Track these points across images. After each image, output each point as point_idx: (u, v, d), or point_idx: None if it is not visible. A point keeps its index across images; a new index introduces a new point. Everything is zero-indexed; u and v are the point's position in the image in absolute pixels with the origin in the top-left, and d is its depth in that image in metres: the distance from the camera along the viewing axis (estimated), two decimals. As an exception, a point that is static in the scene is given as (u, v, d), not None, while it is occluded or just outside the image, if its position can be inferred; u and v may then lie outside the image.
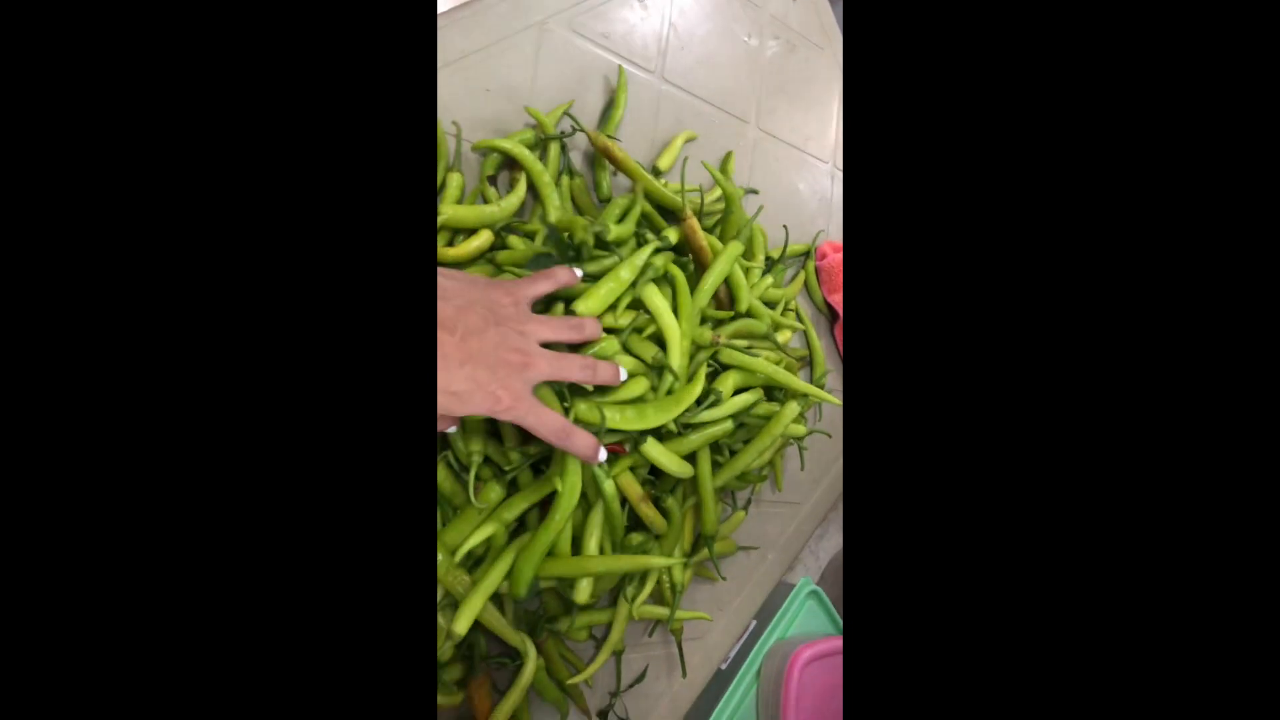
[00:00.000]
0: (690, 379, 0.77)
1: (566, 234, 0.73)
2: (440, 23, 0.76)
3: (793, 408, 0.83)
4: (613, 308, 0.73)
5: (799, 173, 1.14)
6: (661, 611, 0.82)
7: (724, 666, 1.01)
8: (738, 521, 0.95)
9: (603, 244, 0.75)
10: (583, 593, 0.71)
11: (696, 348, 0.79)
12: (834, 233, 1.18)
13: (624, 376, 0.66)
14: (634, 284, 0.73)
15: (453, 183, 0.75)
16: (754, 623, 1.04)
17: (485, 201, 0.77)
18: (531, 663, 0.72)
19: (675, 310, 0.77)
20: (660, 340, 0.75)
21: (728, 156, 1.02)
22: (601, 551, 0.73)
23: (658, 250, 0.77)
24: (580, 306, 0.69)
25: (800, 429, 0.91)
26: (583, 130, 0.82)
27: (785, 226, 1.08)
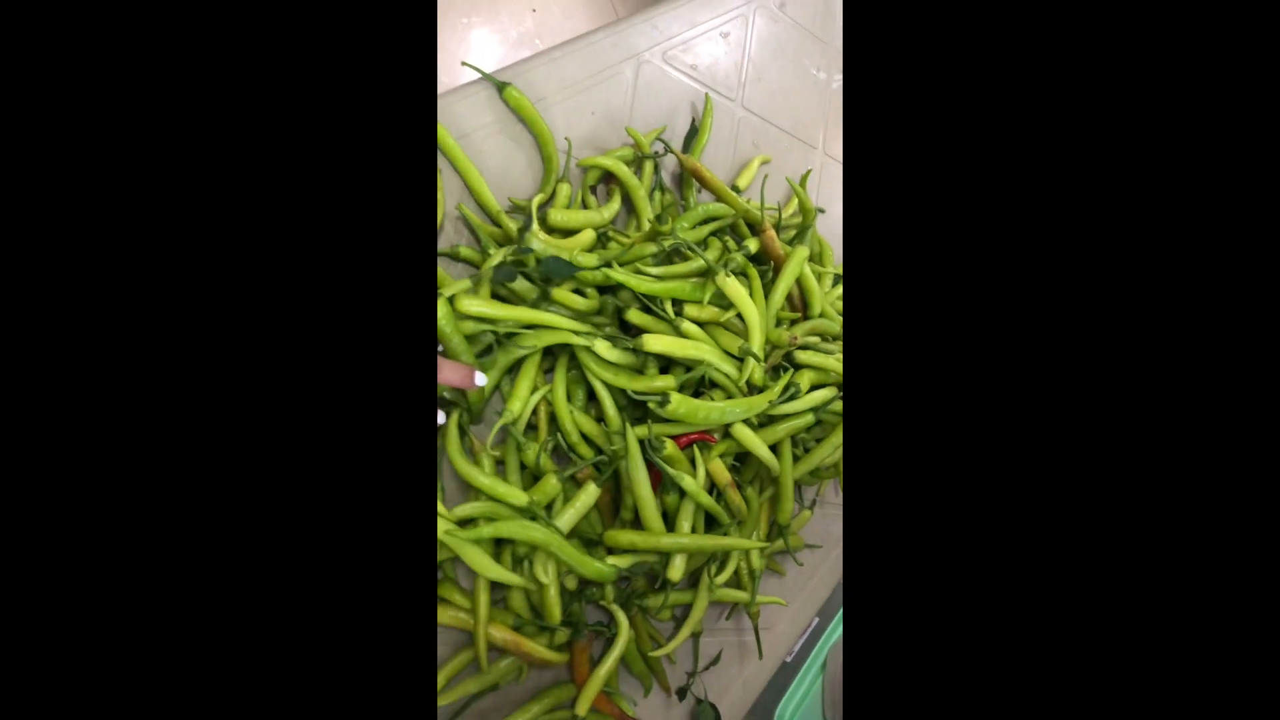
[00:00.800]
0: (772, 375, 0.84)
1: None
2: (556, 54, 0.86)
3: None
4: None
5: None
6: (741, 595, 0.87)
7: (789, 659, 1.05)
8: (804, 520, 1.00)
9: (677, 250, 0.83)
10: (676, 570, 0.77)
11: (773, 347, 0.85)
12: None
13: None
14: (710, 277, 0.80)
15: (562, 191, 0.84)
16: (817, 619, 1.08)
17: (586, 207, 0.86)
18: (625, 631, 0.77)
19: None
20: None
21: (806, 175, 1.10)
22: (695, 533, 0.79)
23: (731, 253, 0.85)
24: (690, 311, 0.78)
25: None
26: (673, 152, 0.91)
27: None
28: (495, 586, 0.74)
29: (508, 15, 2.18)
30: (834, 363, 0.87)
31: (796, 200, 1.07)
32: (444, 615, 0.71)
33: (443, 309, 0.68)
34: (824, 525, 1.07)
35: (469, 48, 2.03)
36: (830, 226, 1.15)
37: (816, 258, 1.03)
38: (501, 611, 0.74)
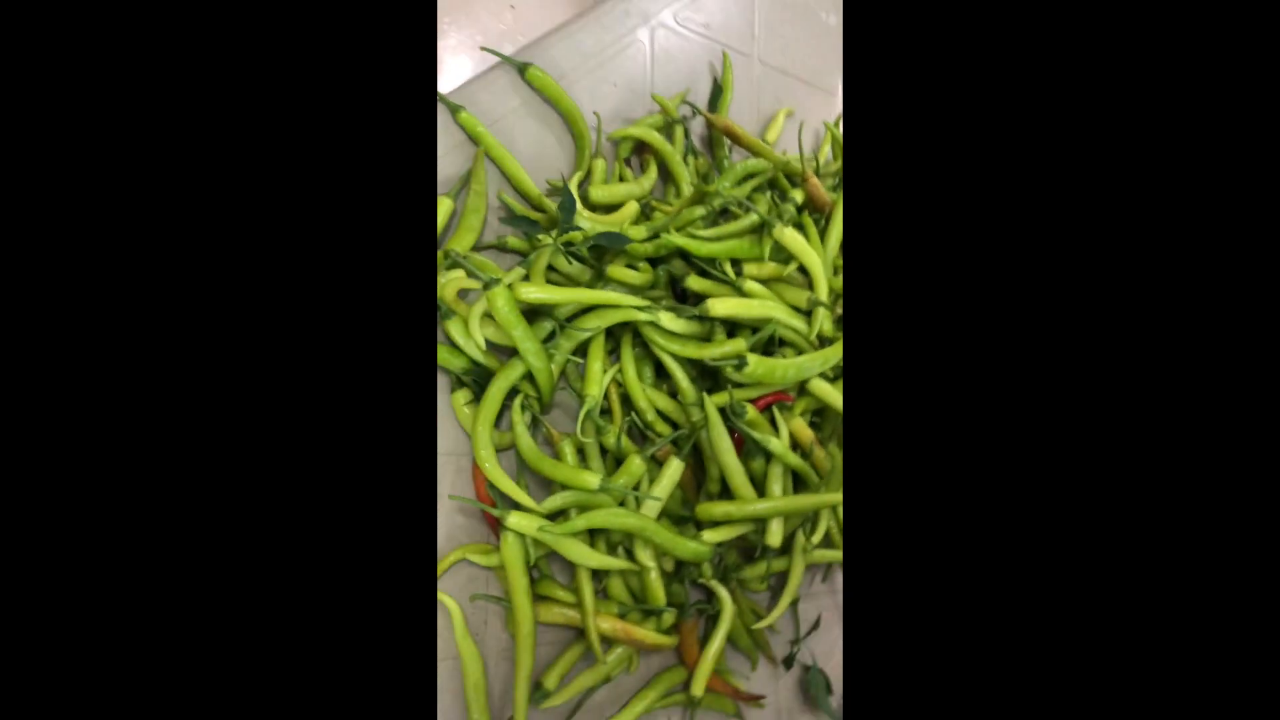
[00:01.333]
0: (840, 325, 0.81)
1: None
2: (572, 28, 0.83)
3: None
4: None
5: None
6: (834, 554, 0.84)
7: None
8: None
9: (726, 211, 0.80)
10: (774, 535, 0.75)
11: (837, 296, 0.83)
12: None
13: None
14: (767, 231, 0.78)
15: (597, 168, 0.81)
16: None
17: (624, 181, 0.83)
18: (729, 607, 0.75)
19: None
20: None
21: (837, 120, 1.07)
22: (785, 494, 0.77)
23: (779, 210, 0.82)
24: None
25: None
26: (702, 113, 0.88)
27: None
28: (594, 576, 0.72)
29: (486, 14, 2.15)
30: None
31: (828, 148, 1.04)
32: (547, 613, 0.68)
33: (503, 298, 0.65)
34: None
35: (448, 47, 2.00)
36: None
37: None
38: (604, 602, 0.71)
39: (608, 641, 0.71)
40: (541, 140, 0.80)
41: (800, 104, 1.06)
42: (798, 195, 0.85)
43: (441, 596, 0.65)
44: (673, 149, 0.85)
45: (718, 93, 0.94)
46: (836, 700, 0.88)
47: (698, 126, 0.93)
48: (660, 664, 0.77)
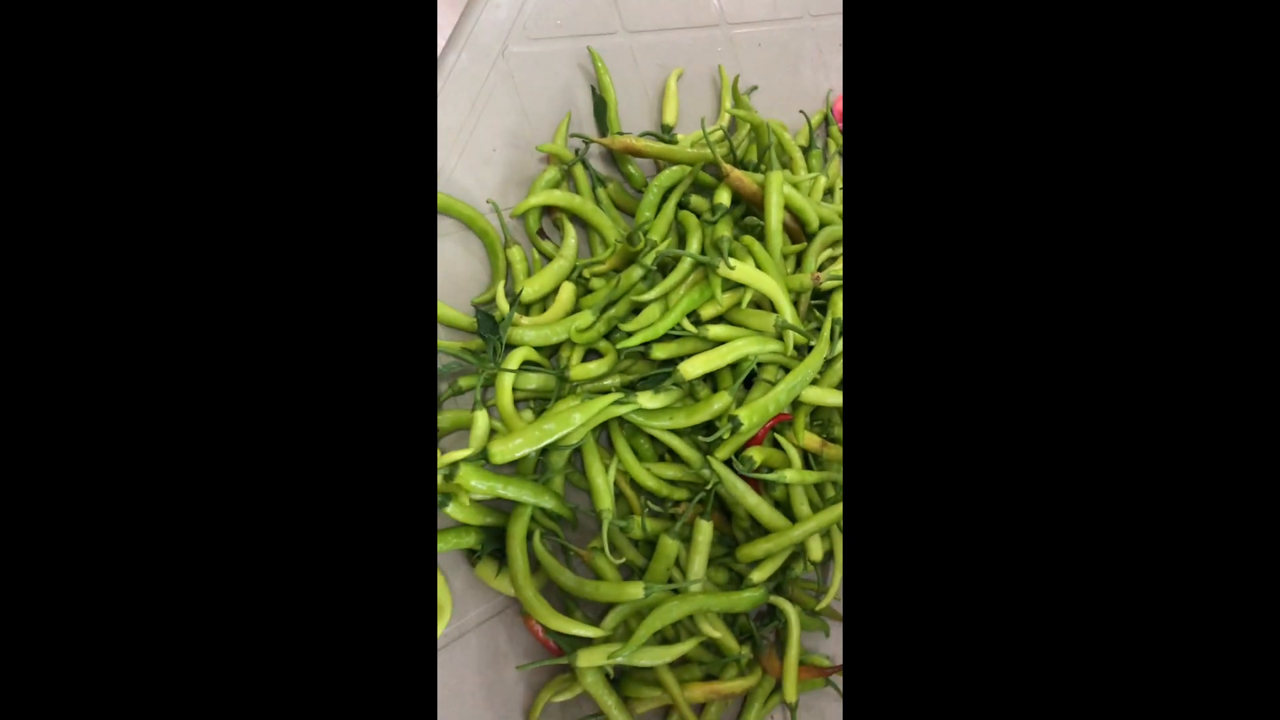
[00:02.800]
0: (815, 325, 0.79)
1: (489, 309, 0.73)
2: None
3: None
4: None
5: (785, 45, 1.08)
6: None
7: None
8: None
9: (664, 261, 0.75)
10: (815, 551, 0.77)
11: (798, 294, 0.80)
12: (839, 85, 1.13)
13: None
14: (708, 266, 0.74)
15: (516, 258, 0.75)
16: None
17: (548, 258, 0.77)
18: (794, 616, 0.80)
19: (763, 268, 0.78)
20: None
21: (735, 80, 0.97)
22: (812, 505, 0.79)
23: (715, 221, 0.77)
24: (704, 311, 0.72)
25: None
26: (595, 142, 0.80)
27: (802, 111, 1.04)
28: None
29: None
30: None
31: (728, 97, 0.95)
32: (641, 707, 0.73)
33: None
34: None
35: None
36: (773, 95, 1.03)
37: (786, 163, 0.94)
38: (688, 668, 0.76)
39: (700, 705, 0.76)
40: (451, 258, 0.73)
41: (684, 54, 0.96)
42: (724, 196, 0.80)
43: (545, 742, 0.69)
44: (581, 200, 0.78)
45: (601, 104, 0.85)
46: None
47: (600, 147, 0.85)
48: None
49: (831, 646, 0.91)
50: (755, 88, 1.01)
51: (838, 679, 0.89)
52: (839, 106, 1.09)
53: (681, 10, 0.97)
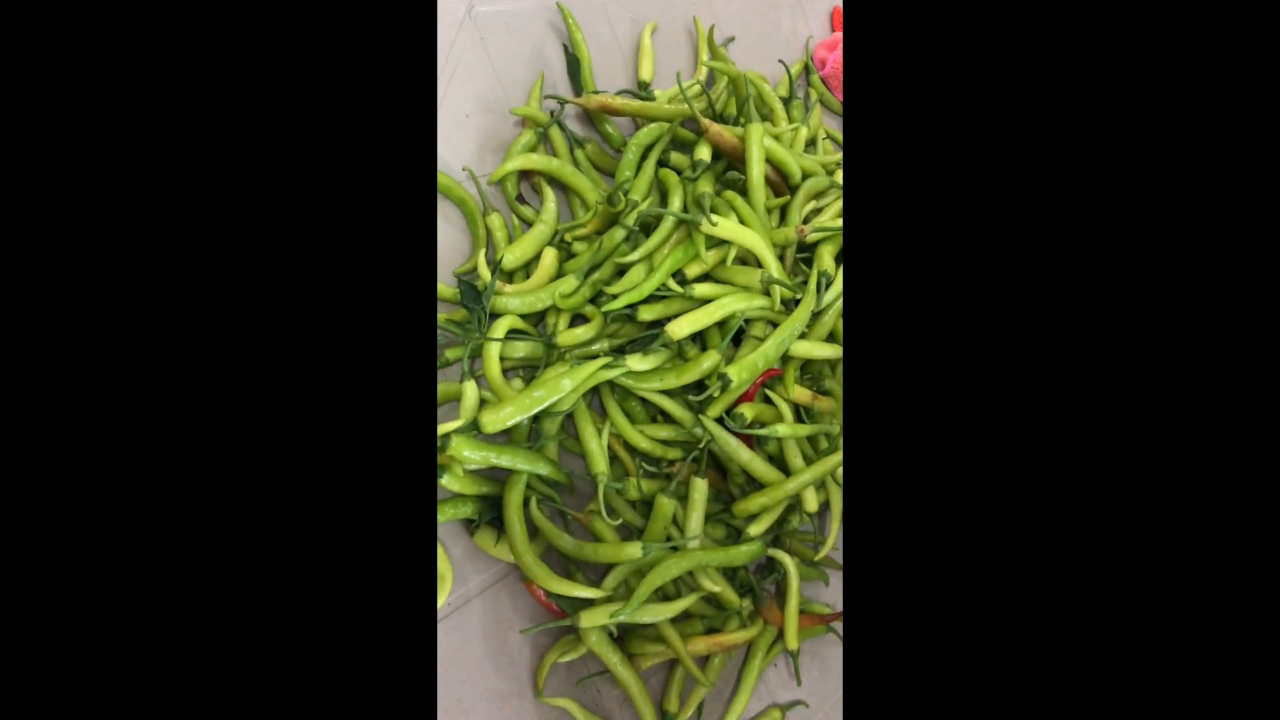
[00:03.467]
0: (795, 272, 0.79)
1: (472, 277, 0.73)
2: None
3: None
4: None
5: (758, -10, 1.05)
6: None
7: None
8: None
9: (646, 221, 0.74)
10: (811, 502, 0.78)
11: (783, 249, 0.79)
12: (819, 32, 1.10)
13: None
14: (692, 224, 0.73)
15: (496, 225, 0.74)
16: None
17: (529, 224, 0.76)
18: (792, 566, 0.81)
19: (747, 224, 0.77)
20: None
21: (710, 35, 0.95)
22: (804, 457, 0.79)
23: (695, 177, 0.76)
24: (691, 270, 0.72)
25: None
26: (569, 102, 0.78)
27: (782, 61, 1.02)
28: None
29: None
30: (832, 213, 0.81)
31: (704, 49, 0.93)
32: (645, 662, 0.74)
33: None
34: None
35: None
36: (750, 44, 1.01)
37: (766, 115, 0.92)
38: (689, 621, 0.77)
39: (703, 658, 0.77)
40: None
41: (658, 7, 0.93)
42: (704, 152, 0.78)
43: (556, 701, 0.71)
44: (559, 162, 0.77)
45: (574, 62, 0.83)
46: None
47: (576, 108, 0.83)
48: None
49: (831, 595, 0.93)
50: (732, 38, 0.99)
51: (839, 626, 0.91)
52: (819, 54, 1.07)
53: (652, -40, 0.94)
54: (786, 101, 0.98)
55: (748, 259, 0.77)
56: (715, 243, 0.75)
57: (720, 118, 0.87)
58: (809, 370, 0.84)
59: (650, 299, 0.73)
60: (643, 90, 0.88)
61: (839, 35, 1.09)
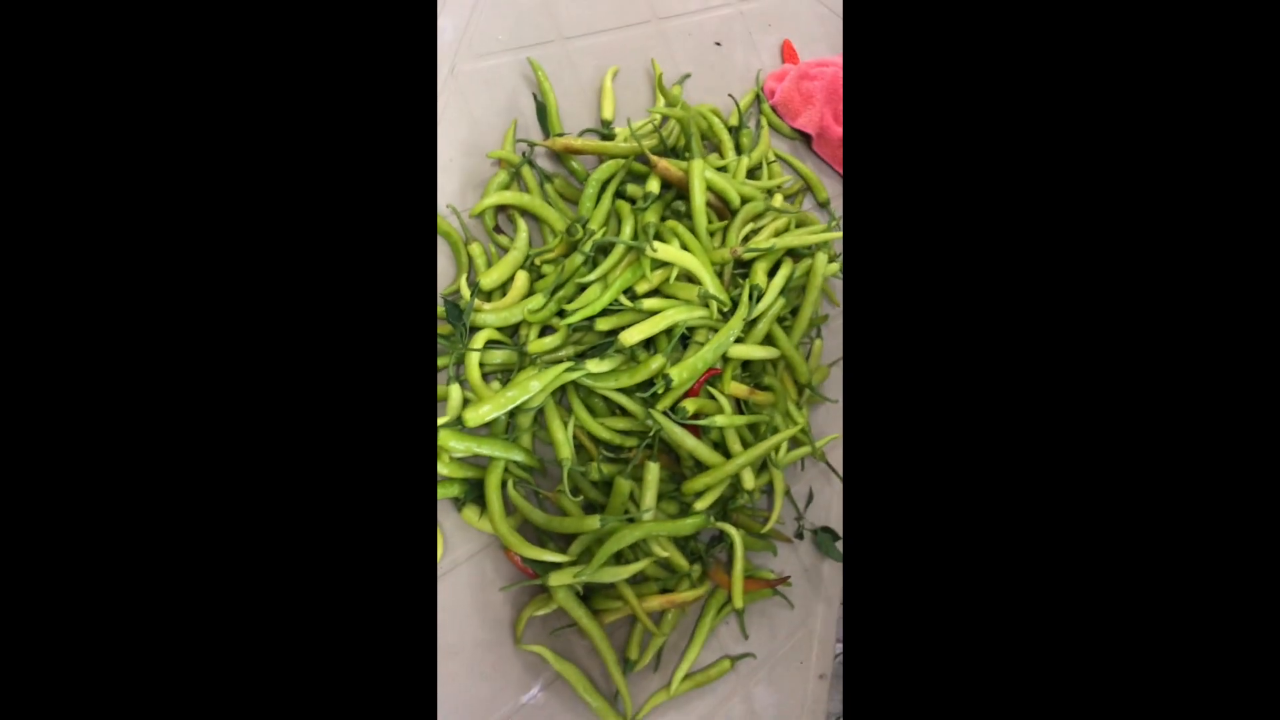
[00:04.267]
0: (734, 284, 0.92)
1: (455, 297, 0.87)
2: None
3: (821, 257, 0.97)
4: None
5: (714, 32, 1.18)
6: (803, 450, 1.02)
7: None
8: (818, 350, 1.12)
9: (601, 247, 0.88)
10: (749, 480, 0.92)
11: (721, 266, 0.92)
12: (769, 64, 1.23)
13: None
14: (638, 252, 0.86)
15: (476, 253, 0.88)
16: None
17: (505, 250, 0.90)
18: (737, 535, 0.94)
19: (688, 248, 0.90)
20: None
21: (660, 81, 1.08)
22: (744, 443, 0.93)
23: (643, 207, 0.89)
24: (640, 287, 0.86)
25: (835, 266, 1.05)
26: (538, 145, 0.92)
27: (731, 95, 1.15)
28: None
29: None
30: (777, 242, 0.94)
31: (660, 95, 1.07)
32: (609, 617, 0.88)
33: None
34: (833, 349, 1.20)
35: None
36: (705, 79, 1.14)
37: (713, 143, 1.05)
38: (645, 584, 0.91)
39: (659, 613, 0.91)
40: (418, 256, 0.86)
41: (617, 52, 1.07)
42: (654, 185, 0.92)
43: (533, 648, 0.85)
44: (530, 197, 0.90)
45: (542, 109, 0.96)
46: (841, 545, 1.11)
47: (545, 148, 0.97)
48: (705, 595, 0.99)
49: (778, 564, 1.07)
50: (688, 75, 1.12)
51: (784, 590, 1.05)
52: (769, 85, 1.20)
53: (614, 11, 1.07)
54: (737, 129, 1.11)
55: (691, 276, 0.90)
56: (660, 263, 0.88)
57: (674, 151, 1.01)
58: (750, 369, 0.98)
59: (606, 312, 0.87)
60: (605, 128, 1.01)
61: (787, 67, 1.22)
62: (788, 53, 1.25)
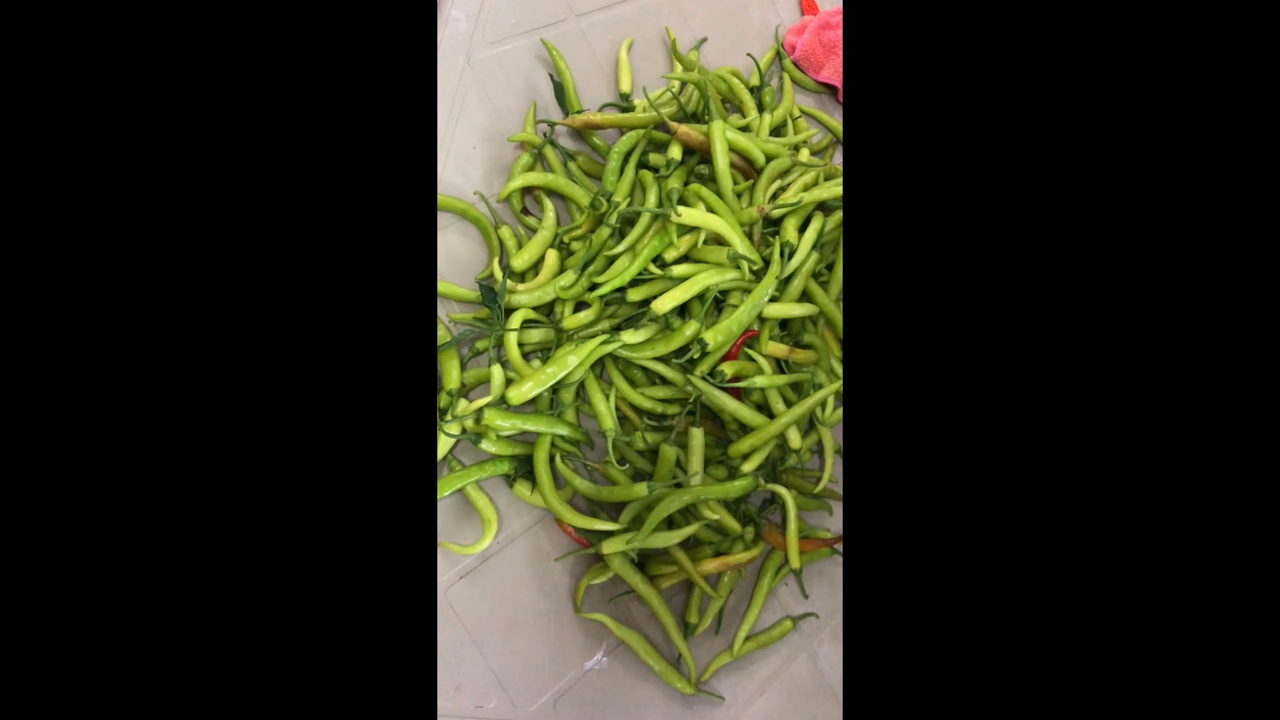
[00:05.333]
0: (765, 244, 0.91)
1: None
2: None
3: (850, 208, 0.95)
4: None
5: (727, -11, 1.16)
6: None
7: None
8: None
9: (627, 218, 0.88)
10: (795, 439, 0.91)
11: (750, 226, 0.92)
12: (787, 19, 1.20)
13: None
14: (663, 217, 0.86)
15: (506, 236, 0.90)
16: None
17: (534, 231, 0.92)
18: (788, 495, 0.94)
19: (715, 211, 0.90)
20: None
21: (675, 45, 1.07)
22: (787, 403, 0.92)
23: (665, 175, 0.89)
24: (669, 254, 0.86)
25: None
26: (558, 124, 0.93)
27: (750, 55, 1.13)
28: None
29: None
30: (805, 198, 0.93)
31: (676, 61, 1.06)
32: (665, 582, 0.90)
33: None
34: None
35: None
36: (724, 42, 1.13)
37: (733, 102, 1.04)
38: (700, 548, 0.92)
39: (715, 576, 0.92)
40: (453, 246, 0.89)
41: (631, 24, 1.06)
42: (675, 151, 0.92)
43: (594, 616, 0.87)
44: (554, 176, 0.92)
45: (559, 88, 0.97)
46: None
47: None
48: (762, 557, 0.99)
49: (835, 523, 1.06)
50: (704, 39, 1.11)
51: (840, 547, 1.04)
52: (788, 40, 1.17)
53: (624, -17, 1.07)
54: (759, 89, 1.09)
55: (719, 239, 0.90)
56: (688, 229, 0.88)
57: (694, 117, 1.00)
58: (789, 328, 0.97)
59: (638, 282, 0.88)
60: (625, 101, 1.01)
61: (807, 19, 1.19)
62: (806, 4, 1.22)
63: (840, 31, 1.15)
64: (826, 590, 1.03)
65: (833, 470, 1.01)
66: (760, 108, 1.07)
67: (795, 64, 1.17)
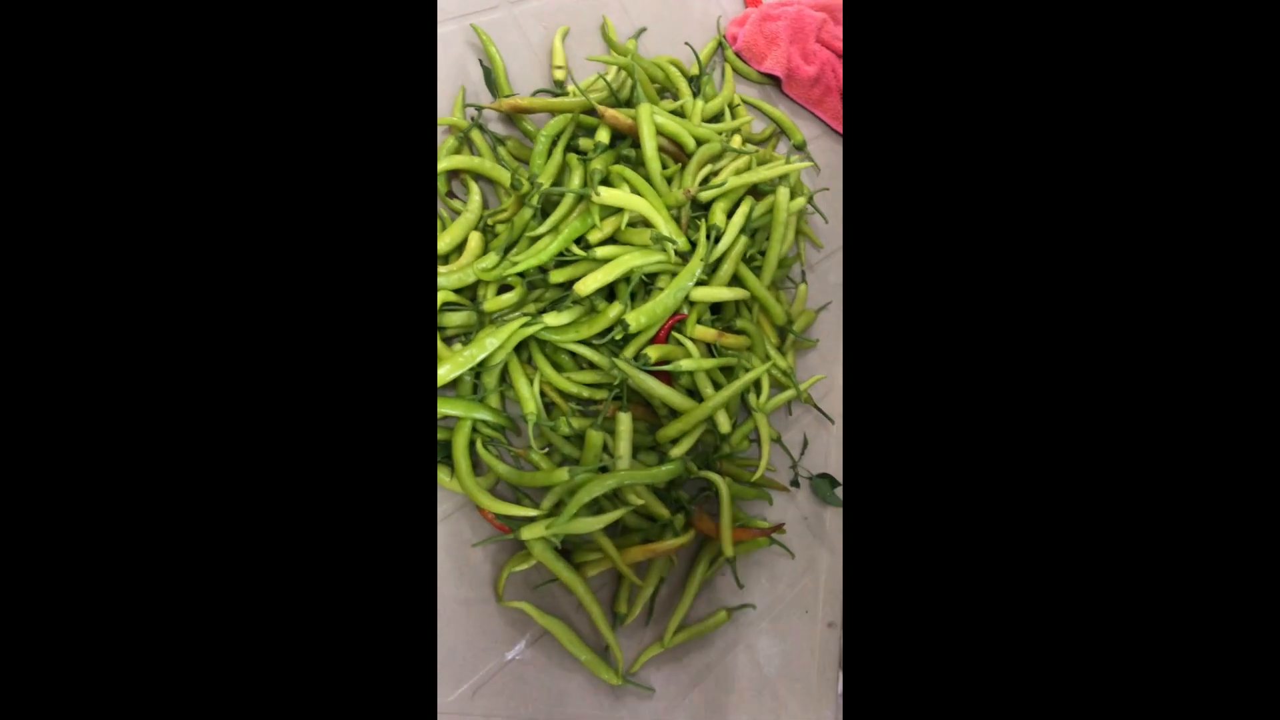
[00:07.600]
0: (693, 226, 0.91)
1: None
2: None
3: (783, 193, 0.94)
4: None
5: (668, -19, 1.16)
6: (787, 394, 1.00)
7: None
8: (803, 294, 1.09)
9: (550, 199, 0.87)
10: (724, 423, 0.90)
11: (678, 209, 0.91)
12: (730, 10, 1.21)
13: None
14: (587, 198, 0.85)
15: (431, 219, 0.89)
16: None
17: (458, 214, 0.91)
18: (722, 483, 0.93)
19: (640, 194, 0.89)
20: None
21: (608, 32, 1.07)
22: (717, 386, 0.91)
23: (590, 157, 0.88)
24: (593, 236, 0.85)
25: (800, 201, 1.02)
26: (487, 108, 0.92)
27: (688, 44, 1.13)
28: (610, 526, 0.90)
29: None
30: (733, 181, 0.92)
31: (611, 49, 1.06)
32: (591, 570, 0.88)
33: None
34: (820, 293, 1.16)
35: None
36: (664, 30, 1.13)
37: (663, 84, 1.04)
38: (627, 535, 0.90)
39: (643, 565, 0.90)
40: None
41: (569, 13, 1.06)
42: (603, 135, 0.91)
43: (518, 605, 0.85)
44: (480, 159, 0.91)
45: (488, 73, 0.97)
46: (841, 491, 1.08)
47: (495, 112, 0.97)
48: (696, 546, 0.98)
49: (775, 514, 1.04)
50: (643, 30, 1.11)
51: (783, 539, 1.02)
52: (730, 30, 1.17)
53: (561, -29, 1.07)
54: (698, 79, 1.09)
55: (645, 221, 0.89)
56: (612, 211, 0.87)
57: (628, 104, 0.99)
58: (722, 314, 0.96)
59: (561, 264, 0.87)
60: (559, 88, 1.01)
61: (749, 11, 1.19)
62: (750, -4, 1.22)
63: (782, 23, 1.16)
64: (764, 582, 1.01)
65: (770, 459, 0.99)
66: (698, 96, 1.07)
67: (738, 55, 1.17)
